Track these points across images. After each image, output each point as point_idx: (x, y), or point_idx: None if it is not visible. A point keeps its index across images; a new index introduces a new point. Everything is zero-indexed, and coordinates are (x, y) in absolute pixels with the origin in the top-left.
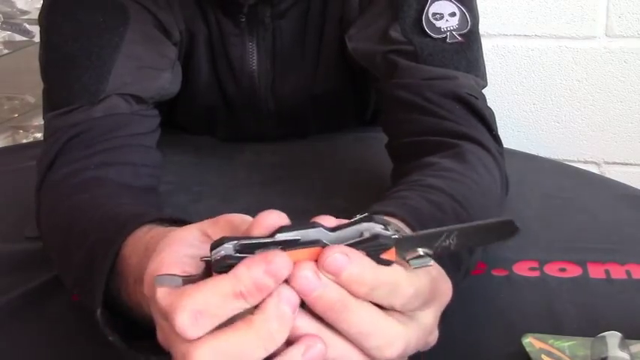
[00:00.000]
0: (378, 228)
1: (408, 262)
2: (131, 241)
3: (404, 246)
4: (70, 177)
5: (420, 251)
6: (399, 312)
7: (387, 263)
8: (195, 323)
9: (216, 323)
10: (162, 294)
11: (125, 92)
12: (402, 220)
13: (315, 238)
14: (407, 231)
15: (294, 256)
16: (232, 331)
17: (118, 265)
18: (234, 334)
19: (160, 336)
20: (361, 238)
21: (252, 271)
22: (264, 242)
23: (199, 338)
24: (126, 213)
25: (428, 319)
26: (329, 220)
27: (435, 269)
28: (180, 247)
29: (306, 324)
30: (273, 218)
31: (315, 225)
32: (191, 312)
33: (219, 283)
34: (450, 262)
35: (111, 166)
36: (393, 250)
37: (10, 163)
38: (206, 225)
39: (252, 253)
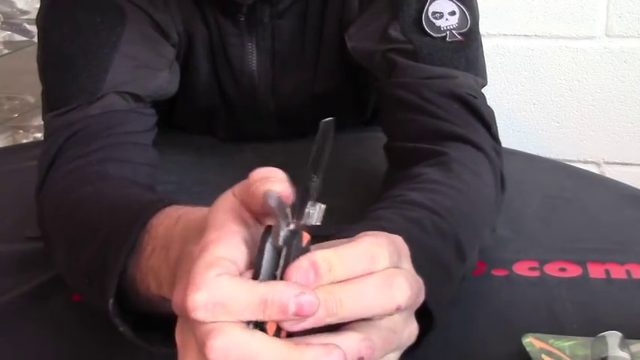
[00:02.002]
0: (280, 239)
1: (312, 226)
2: (150, 227)
3: (299, 219)
4: (72, 174)
5: (309, 209)
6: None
7: (308, 248)
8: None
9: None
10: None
11: (123, 90)
12: None
13: None
14: None
15: None
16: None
17: (132, 254)
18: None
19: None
20: (285, 255)
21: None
22: None
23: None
24: (139, 201)
25: (405, 265)
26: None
27: (380, 232)
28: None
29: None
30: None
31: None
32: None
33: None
34: (440, 277)
35: (110, 162)
36: (306, 234)
37: (10, 163)
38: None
39: None
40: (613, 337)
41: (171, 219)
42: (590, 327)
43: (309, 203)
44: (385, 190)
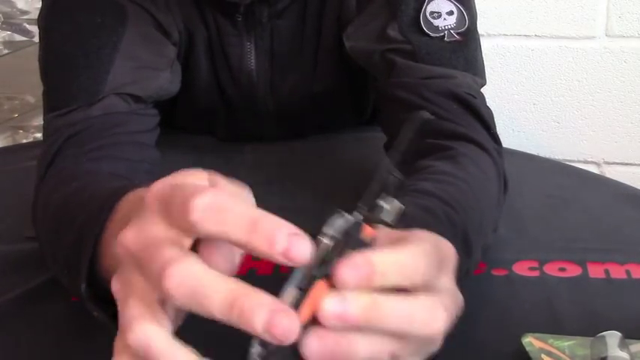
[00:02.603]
0: (337, 224)
1: (383, 223)
2: (115, 213)
3: (371, 213)
4: (64, 170)
5: (382, 204)
6: (423, 289)
7: (369, 242)
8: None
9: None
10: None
11: (123, 92)
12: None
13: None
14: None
15: (311, 304)
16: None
17: (104, 240)
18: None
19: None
20: (335, 243)
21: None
22: None
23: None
24: (111, 189)
25: (448, 283)
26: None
27: (431, 236)
28: None
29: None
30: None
31: (296, 269)
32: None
33: None
34: None
35: (105, 160)
36: (366, 227)
37: (10, 163)
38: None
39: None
40: (612, 337)
41: (131, 204)
42: (589, 327)
43: (384, 198)
44: None
